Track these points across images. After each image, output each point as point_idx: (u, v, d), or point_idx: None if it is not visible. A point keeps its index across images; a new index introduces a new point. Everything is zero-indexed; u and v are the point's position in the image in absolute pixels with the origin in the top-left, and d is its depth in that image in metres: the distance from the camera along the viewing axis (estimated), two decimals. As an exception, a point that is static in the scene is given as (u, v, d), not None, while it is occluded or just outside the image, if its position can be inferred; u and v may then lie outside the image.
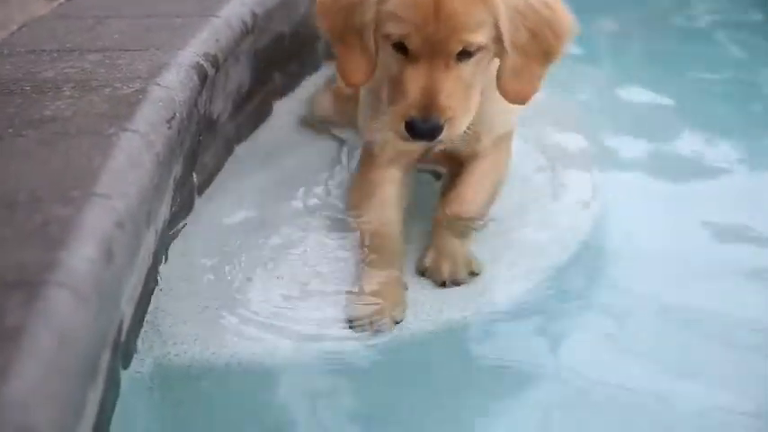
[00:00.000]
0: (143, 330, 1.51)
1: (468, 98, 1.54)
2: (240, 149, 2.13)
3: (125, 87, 1.59)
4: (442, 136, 1.52)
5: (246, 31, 2.04)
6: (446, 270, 1.62)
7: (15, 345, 0.99)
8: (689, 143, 2.33)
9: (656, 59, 2.96)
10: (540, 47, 1.56)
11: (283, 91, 2.36)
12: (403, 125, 1.52)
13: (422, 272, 1.66)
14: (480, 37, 1.49)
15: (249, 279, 1.64)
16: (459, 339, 1.55)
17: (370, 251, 1.66)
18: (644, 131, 2.35)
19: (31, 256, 1.13)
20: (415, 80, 1.51)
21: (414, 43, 1.49)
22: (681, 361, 1.49)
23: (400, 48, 1.53)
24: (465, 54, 1.51)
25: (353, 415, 1.42)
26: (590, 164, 2.10)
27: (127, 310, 1.39)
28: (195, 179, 1.85)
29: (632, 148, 2.27)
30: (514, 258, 1.71)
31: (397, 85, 1.55)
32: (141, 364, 1.45)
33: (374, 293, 1.56)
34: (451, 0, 1.45)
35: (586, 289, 1.73)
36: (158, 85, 1.61)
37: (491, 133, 1.78)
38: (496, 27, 1.51)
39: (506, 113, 1.79)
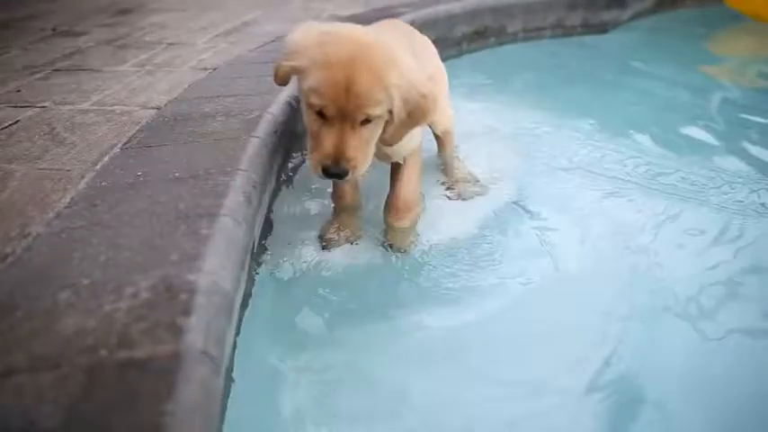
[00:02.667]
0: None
1: (367, 150, 1.91)
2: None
3: (250, 115, 2.47)
4: (348, 177, 1.88)
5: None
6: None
7: (206, 243, 1.53)
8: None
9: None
10: (412, 120, 1.95)
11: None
12: (320, 169, 1.86)
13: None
14: (378, 110, 1.85)
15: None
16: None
17: (338, 206, 2.42)
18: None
19: (210, 201, 1.76)
20: (329, 138, 1.84)
21: (329, 112, 1.83)
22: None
23: (319, 113, 1.86)
24: (366, 120, 1.87)
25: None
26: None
27: (257, 233, 2.19)
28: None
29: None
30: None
31: (316, 139, 1.88)
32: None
33: (338, 223, 2.34)
34: (359, 84, 1.79)
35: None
36: (269, 113, 2.49)
37: (402, 155, 2.31)
38: (390, 105, 1.88)
39: (408, 143, 2.21)
